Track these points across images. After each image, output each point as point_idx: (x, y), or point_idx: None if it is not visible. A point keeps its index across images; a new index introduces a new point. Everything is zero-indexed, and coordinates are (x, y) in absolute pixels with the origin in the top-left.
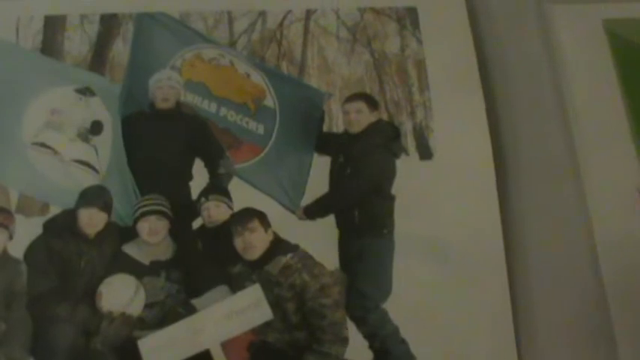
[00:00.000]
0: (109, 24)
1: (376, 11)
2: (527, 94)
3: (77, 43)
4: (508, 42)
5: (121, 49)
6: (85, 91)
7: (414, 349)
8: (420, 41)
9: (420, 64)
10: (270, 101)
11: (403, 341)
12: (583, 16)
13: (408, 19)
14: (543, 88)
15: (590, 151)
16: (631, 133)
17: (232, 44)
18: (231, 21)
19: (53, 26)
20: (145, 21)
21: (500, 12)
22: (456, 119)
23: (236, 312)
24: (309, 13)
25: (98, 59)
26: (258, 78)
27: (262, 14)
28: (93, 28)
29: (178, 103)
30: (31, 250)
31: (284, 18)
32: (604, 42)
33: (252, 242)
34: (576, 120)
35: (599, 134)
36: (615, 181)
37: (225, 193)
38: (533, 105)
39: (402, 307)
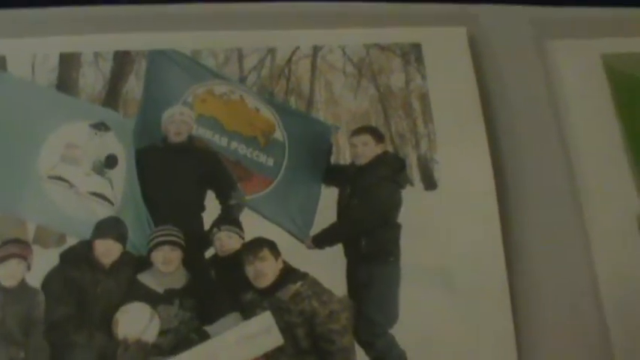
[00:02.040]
0: (122, 61)
1: (381, 47)
2: (528, 126)
3: (91, 79)
4: (509, 76)
5: (134, 85)
6: (100, 126)
7: None
8: (424, 76)
9: (424, 98)
10: (279, 135)
11: None
12: (582, 50)
13: (413, 55)
14: (544, 120)
15: (590, 180)
16: (628, 162)
17: (242, 80)
18: (241, 57)
19: (68, 63)
20: (157, 58)
21: (501, 48)
22: (459, 151)
23: (248, 338)
24: (316, 50)
25: (112, 95)
26: (267, 112)
27: (271, 51)
28: (106, 65)
29: (190, 137)
30: (49, 280)
31: (292, 54)
32: (602, 75)
33: (263, 270)
34: (576, 150)
35: (597, 164)
36: (614, 209)
37: (237, 224)
38: (534, 136)
39: (409, 332)
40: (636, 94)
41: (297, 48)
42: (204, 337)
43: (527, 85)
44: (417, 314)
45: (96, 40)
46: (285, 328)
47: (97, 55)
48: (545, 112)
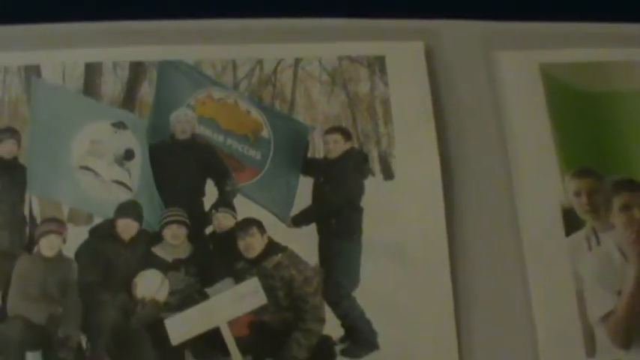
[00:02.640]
0: (137, 70)
1: (351, 59)
2: (473, 127)
3: (111, 85)
4: (460, 83)
5: (147, 91)
6: (119, 125)
7: (375, 326)
8: (386, 84)
9: (386, 103)
10: (266, 133)
11: (367, 321)
12: (522, 60)
13: (377, 66)
14: (487, 121)
15: (523, 173)
16: (557, 159)
17: (236, 86)
18: (234, 68)
19: (92, 72)
20: (166, 68)
21: (454, 58)
22: (413, 147)
23: (239, 298)
24: (297, 61)
25: (128, 99)
26: (256, 114)
27: (260, 62)
28: (124, 74)
29: (193, 135)
30: (80, 251)
31: (277, 65)
32: (539, 82)
33: (252, 244)
34: (513, 148)
35: (530, 160)
36: (542, 199)
37: (231, 206)
38: (477, 135)
39: (367, 295)
40: (567, 99)
41: (282, 60)
42: (205, 297)
43: (474, 91)
44: (374, 280)
45: (115, 52)
46: (269, 291)
47: (115, 64)
48: (489, 115)
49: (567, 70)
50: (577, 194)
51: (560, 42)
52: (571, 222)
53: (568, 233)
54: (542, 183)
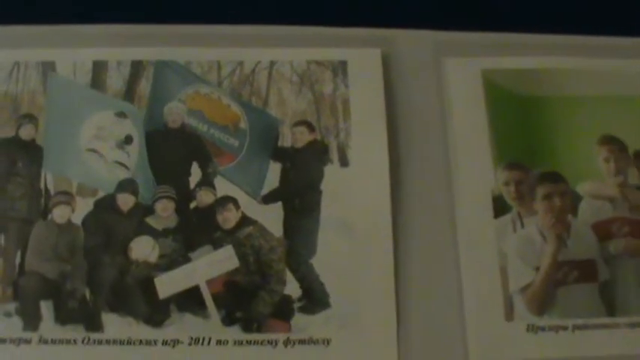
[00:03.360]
0: (137, 68)
1: (318, 63)
2: (420, 124)
3: (115, 80)
4: (412, 86)
5: (145, 86)
6: (121, 115)
7: (327, 289)
8: (347, 85)
9: (346, 102)
10: (243, 124)
11: (321, 284)
12: (466, 66)
13: (340, 70)
14: (433, 119)
15: (461, 163)
16: (491, 153)
17: (219, 84)
18: (219, 68)
19: (99, 68)
20: (161, 66)
21: (407, 64)
22: (366, 140)
23: (216, 262)
24: (272, 64)
25: (129, 92)
26: (236, 108)
27: (240, 64)
28: (126, 71)
29: (183, 124)
30: (86, 220)
31: (255, 66)
32: (480, 86)
33: (228, 218)
34: (454, 143)
35: (468, 153)
36: (476, 187)
37: (212, 186)
38: (424, 132)
39: (322, 262)
40: (503, 101)
41: (259, 62)
42: (188, 260)
43: (423, 92)
44: (328, 251)
45: (118, 52)
46: (241, 256)
47: (119, 63)
48: (435, 114)
49: (505, 76)
50: (506, 184)
51: (501, 50)
52: (500, 207)
53: (496, 216)
54: (477, 173)
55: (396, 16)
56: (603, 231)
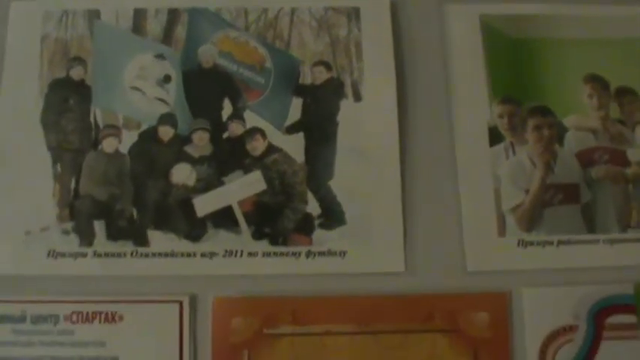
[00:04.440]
0: (173, 15)
1: (334, 9)
2: (424, 63)
3: (154, 26)
4: (417, 30)
5: (180, 31)
6: (160, 56)
7: (343, 207)
8: (359, 29)
9: (359, 44)
10: (268, 64)
11: (338, 203)
12: (466, 12)
13: (354, 15)
14: (436, 60)
15: (460, 98)
16: (487, 89)
17: (247, 29)
18: (246, 14)
19: (139, 15)
20: (194, 13)
21: (413, 10)
22: (377, 78)
23: (247, 184)
24: (293, 10)
25: (167, 37)
26: (262, 50)
27: (265, 10)
28: (163, 17)
29: (215, 64)
30: (132, 149)
31: (278, 12)
32: (478, 29)
33: (256, 146)
34: (454, 79)
35: (467, 89)
36: (473, 119)
37: (242, 118)
38: (427, 70)
39: (339, 184)
40: (499, 43)
41: (282, 9)
42: (221, 183)
43: (427, 36)
44: (344, 174)
45: (156, 1)
46: (268, 180)
47: (157, 10)
48: (437, 54)
49: (501, 20)
50: (500, 116)
51: None
52: (494, 137)
53: (492, 145)
54: (474, 107)
55: None
56: (586, 158)
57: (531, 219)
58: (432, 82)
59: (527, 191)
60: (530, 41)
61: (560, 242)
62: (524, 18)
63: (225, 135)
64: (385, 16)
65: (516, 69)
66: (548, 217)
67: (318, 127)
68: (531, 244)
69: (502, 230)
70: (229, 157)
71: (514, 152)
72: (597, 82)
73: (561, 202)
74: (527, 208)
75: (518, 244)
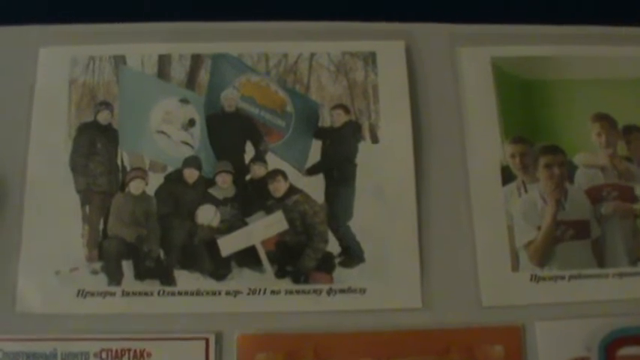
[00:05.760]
0: (197, 60)
1: (352, 54)
2: (439, 105)
3: (178, 71)
4: (431, 73)
5: (204, 76)
6: (185, 101)
7: (362, 246)
8: (376, 73)
9: (375, 88)
10: (289, 108)
11: (357, 242)
12: (477, 55)
13: (370, 60)
14: (449, 101)
15: (474, 138)
16: (499, 130)
17: (268, 73)
18: (267, 59)
19: (163, 61)
20: (218, 58)
21: (427, 53)
22: (393, 120)
23: (269, 225)
24: (312, 55)
25: (191, 82)
26: (282, 94)
27: (285, 55)
28: (187, 63)
29: (237, 108)
30: (158, 191)
31: (298, 58)
32: (490, 72)
33: (278, 188)
34: (467, 121)
35: (480, 130)
36: (487, 159)
37: (264, 161)
38: (442, 112)
39: (358, 224)
40: (511, 85)
41: (301, 54)
42: (245, 224)
43: (441, 78)
44: (362, 214)
45: (180, 47)
46: (289, 220)
47: (181, 56)
48: (451, 97)
49: (512, 62)
50: (512, 156)
51: (508, 40)
52: (507, 176)
53: (504, 184)
54: (487, 147)
55: (417, 11)
56: (595, 195)
57: (544, 254)
58: (446, 124)
59: (539, 228)
60: (541, 82)
61: (571, 277)
62: (535, 60)
63: (247, 177)
64: (400, 60)
65: (527, 109)
66: (559, 253)
67: (338, 169)
68: (544, 278)
69: (516, 266)
70: (252, 198)
71: (526, 190)
72: (605, 120)
73: (572, 237)
74: (539, 244)
75: (532, 279)
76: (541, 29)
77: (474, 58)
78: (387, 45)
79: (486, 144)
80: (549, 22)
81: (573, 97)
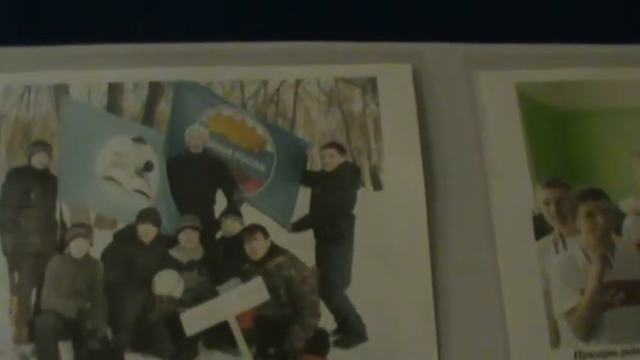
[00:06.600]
0: (155, 89)
1: (346, 80)
2: (454, 142)
3: (132, 103)
4: (444, 102)
5: (164, 108)
6: (139, 140)
7: (364, 320)
8: (377, 103)
9: (377, 121)
10: (270, 147)
11: (358, 315)
12: (500, 80)
13: (369, 87)
14: (467, 136)
15: (499, 182)
16: (529, 170)
17: (243, 105)
18: (242, 88)
19: (115, 91)
20: (181, 88)
21: (438, 78)
22: (400, 161)
23: (245, 295)
24: (298, 82)
25: (148, 116)
26: (261, 130)
27: (264, 83)
28: (143, 93)
29: (205, 149)
30: (106, 253)
31: (280, 85)
32: (515, 100)
33: (256, 248)
34: (490, 161)
35: (506, 171)
36: (515, 207)
37: (239, 214)
38: (458, 149)
39: (357, 293)
40: (540, 115)
41: (284, 81)
42: (215, 294)
43: (456, 109)
44: (364, 280)
45: (135, 73)
46: (271, 289)
47: (135, 84)
48: (469, 130)
49: (541, 89)
50: (547, 203)
51: (535, 62)
52: (540, 227)
53: (538, 238)
54: (516, 192)
55: (424, 28)
56: None
57: (589, 325)
58: (464, 165)
59: (582, 291)
60: (575, 112)
61: (624, 352)
62: (568, 85)
63: (218, 234)
64: (407, 87)
65: (561, 145)
66: (609, 322)
67: (331, 223)
68: (591, 355)
69: (555, 340)
70: (224, 261)
71: (564, 245)
72: None
73: (624, 302)
74: (583, 312)
75: (576, 357)
76: (573, 49)
77: (495, 85)
78: (391, 69)
79: (514, 188)
80: (582, 41)
81: (616, 129)
